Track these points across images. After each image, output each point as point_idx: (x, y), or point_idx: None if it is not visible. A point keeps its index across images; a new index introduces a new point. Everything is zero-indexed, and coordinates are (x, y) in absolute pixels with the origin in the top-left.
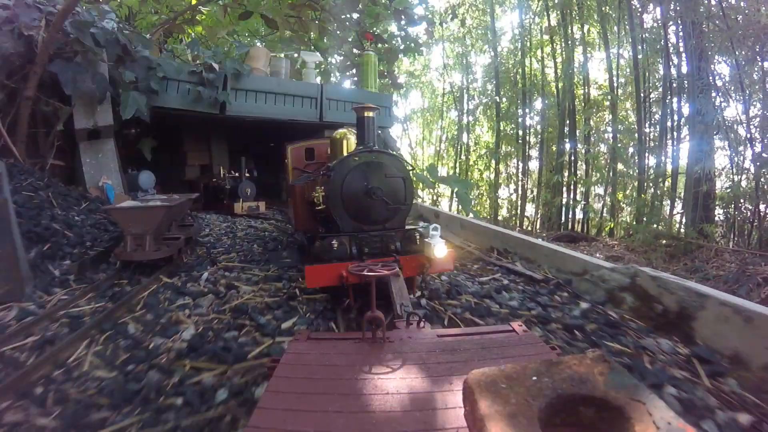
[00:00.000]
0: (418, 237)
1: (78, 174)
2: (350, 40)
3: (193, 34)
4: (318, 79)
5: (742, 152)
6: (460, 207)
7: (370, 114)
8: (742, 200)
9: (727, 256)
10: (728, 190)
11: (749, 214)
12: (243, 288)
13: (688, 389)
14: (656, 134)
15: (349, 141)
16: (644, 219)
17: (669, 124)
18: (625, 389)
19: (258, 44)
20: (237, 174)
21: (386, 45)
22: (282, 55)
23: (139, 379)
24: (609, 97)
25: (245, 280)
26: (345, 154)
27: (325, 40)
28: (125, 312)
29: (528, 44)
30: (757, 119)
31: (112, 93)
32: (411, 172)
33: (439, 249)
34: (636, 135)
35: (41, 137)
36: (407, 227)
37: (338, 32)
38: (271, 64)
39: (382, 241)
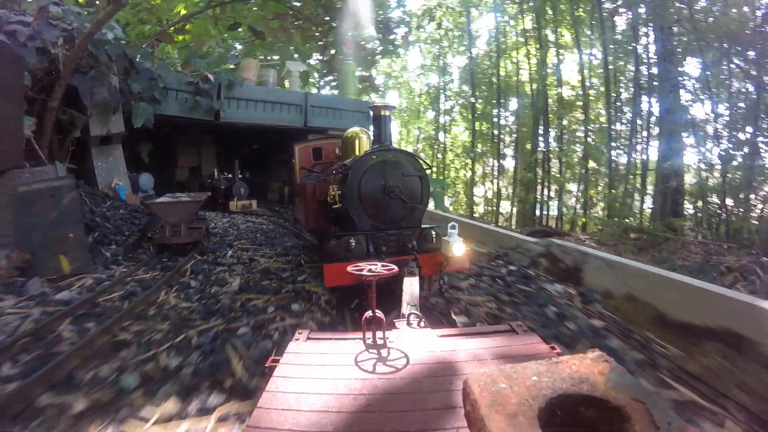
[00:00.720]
0: (434, 236)
1: (90, 176)
2: (332, 50)
3: (188, 43)
4: (300, 87)
5: (710, 149)
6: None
7: (387, 112)
8: (710, 195)
9: (693, 248)
10: (696, 186)
11: (716, 208)
12: (261, 260)
13: (564, 308)
14: (627, 133)
15: (361, 140)
16: (614, 214)
17: (639, 122)
18: (625, 389)
19: (238, 46)
20: (230, 175)
21: (364, 52)
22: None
23: (215, 305)
24: (581, 98)
25: (261, 256)
26: (357, 153)
27: (306, 46)
28: (179, 276)
29: (503, 46)
30: (724, 118)
31: (122, 103)
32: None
33: (458, 247)
34: (606, 134)
35: (56, 142)
36: (424, 226)
37: (320, 40)
38: (259, 74)
39: (399, 240)
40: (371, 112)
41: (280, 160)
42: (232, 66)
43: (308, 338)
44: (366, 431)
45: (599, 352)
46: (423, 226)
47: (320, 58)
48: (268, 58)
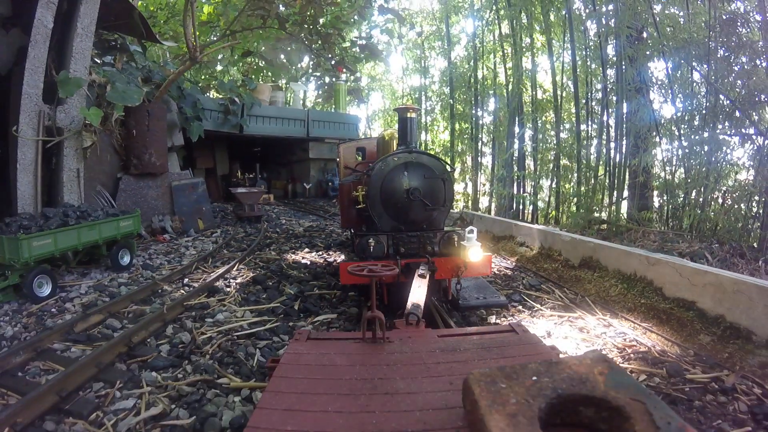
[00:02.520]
0: (456, 239)
1: None
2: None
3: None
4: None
5: (674, 148)
6: None
7: (413, 114)
8: (675, 189)
9: (653, 237)
10: (661, 181)
11: (680, 201)
12: (306, 224)
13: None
14: (596, 132)
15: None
16: (580, 207)
17: (610, 123)
18: (625, 389)
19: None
20: (252, 175)
21: (353, 78)
22: (281, 86)
23: (294, 236)
24: (552, 100)
25: (301, 224)
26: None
27: (301, 66)
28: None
29: (481, 50)
30: (686, 119)
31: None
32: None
33: (474, 253)
34: (575, 133)
35: None
36: (446, 229)
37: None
38: (270, 96)
39: (420, 241)
40: (397, 114)
41: (283, 163)
42: (251, 89)
43: (308, 338)
44: (366, 431)
45: (599, 352)
46: (446, 229)
47: (316, 74)
48: (274, 80)
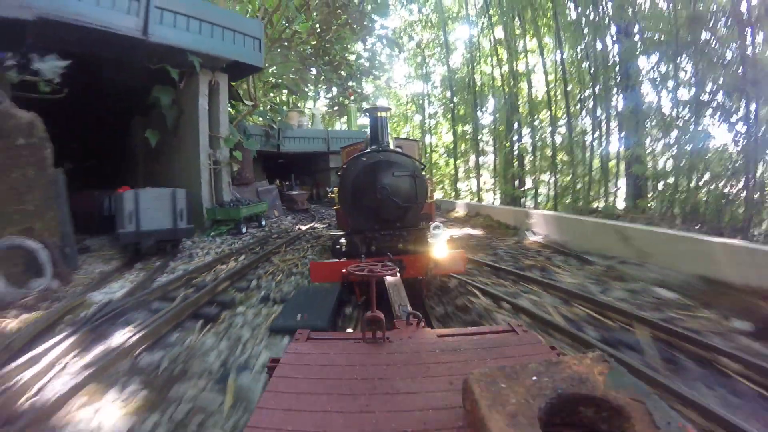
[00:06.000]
0: (429, 237)
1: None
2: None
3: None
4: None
5: (668, 138)
6: None
7: (383, 114)
8: (668, 178)
9: (641, 221)
10: (652, 170)
11: (671, 188)
12: (330, 212)
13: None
14: (590, 127)
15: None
16: (576, 197)
17: (603, 117)
18: (625, 389)
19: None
20: (288, 183)
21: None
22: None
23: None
24: (546, 98)
25: (328, 212)
26: None
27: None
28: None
29: (478, 54)
30: (675, 111)
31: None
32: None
33: (439, 249)
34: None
35: None
36: (421, 226)
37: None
38: (298, 120)
39: (393, 239)
40: (369, 115)
41: (308, 172)
42: (283, 117)
43: (308, 338)
44: (366, 431)
45: (599, 352)
46: (422, 225)
47: (328, 97)
48: (299, 105)
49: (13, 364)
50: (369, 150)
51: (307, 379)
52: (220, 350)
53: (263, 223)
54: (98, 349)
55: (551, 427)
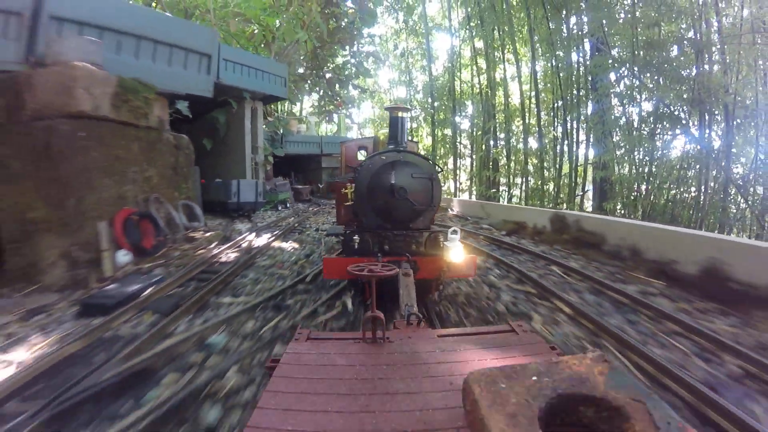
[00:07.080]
0: (442, 240)
1: None
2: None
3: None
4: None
5: (632, 147)
6: None
7: (403, 114)
8: (635, 184)
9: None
10: (617, 175)
11: (634, 192)
12: (324, 203)
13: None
14: (561, 134)
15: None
16: (547, 199)
17: (572, 125)
18: (625, 389)
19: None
20: (287, 179)
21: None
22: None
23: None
24: (521, 107)
25: (323, 203)
26: None
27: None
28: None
29: (458, 63)
30: (638, 121)
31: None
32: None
33: (455, 253)
34: (545, 136)
35: None
36: (433, 229)
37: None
38: (297, 127)
39: (406, 240)
40: (389, 113)
41: (303, 170)
42: (284, 124)
43: (308, 338)
44: (366, 431)
45: (599, 352)
46: (433, 228)
47: (317, 104)
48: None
49: (238, 238)
50: (388, 149)
51: (307, 379)
52: (312, 237)
53: (288, 205)
54: (266, 236)
55: (551, 427)
